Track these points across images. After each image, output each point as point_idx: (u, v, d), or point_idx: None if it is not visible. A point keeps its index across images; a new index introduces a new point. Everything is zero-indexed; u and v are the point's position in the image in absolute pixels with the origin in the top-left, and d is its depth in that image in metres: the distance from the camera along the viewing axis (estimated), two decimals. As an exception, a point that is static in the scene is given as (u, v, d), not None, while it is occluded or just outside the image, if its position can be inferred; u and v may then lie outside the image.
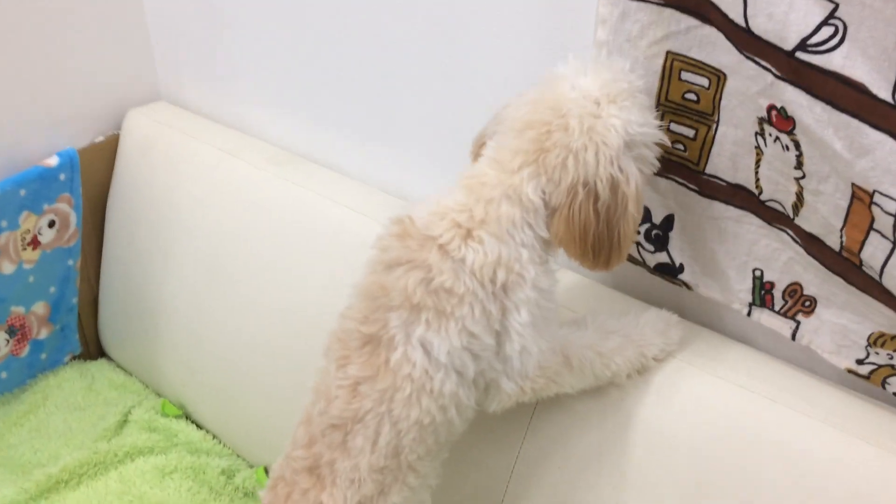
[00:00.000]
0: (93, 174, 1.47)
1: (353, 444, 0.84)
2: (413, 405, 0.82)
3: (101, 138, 1.48)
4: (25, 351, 1.45)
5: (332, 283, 1.17)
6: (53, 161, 1.39)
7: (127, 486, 1.28)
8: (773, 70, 0.77)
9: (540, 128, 0.80)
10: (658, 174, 0.91)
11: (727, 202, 0.90)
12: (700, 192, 0.92)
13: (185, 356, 1.40)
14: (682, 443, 0.89)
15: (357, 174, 1.31)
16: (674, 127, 0.90)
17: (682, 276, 0.97)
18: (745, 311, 0.94)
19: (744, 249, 0.92)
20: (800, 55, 0.74)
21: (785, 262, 0.90)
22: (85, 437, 1.36)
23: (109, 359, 1.57)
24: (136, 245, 1.46)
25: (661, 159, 0.85)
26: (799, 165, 0.80)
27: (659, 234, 0.97)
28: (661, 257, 0.98)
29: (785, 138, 0.80)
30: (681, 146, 0.90)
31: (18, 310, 1.41)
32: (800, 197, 0.83)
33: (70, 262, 1.46)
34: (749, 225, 0.90)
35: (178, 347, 1.41)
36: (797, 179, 0.81)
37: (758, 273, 0.92)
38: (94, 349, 1.58)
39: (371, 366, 0.83)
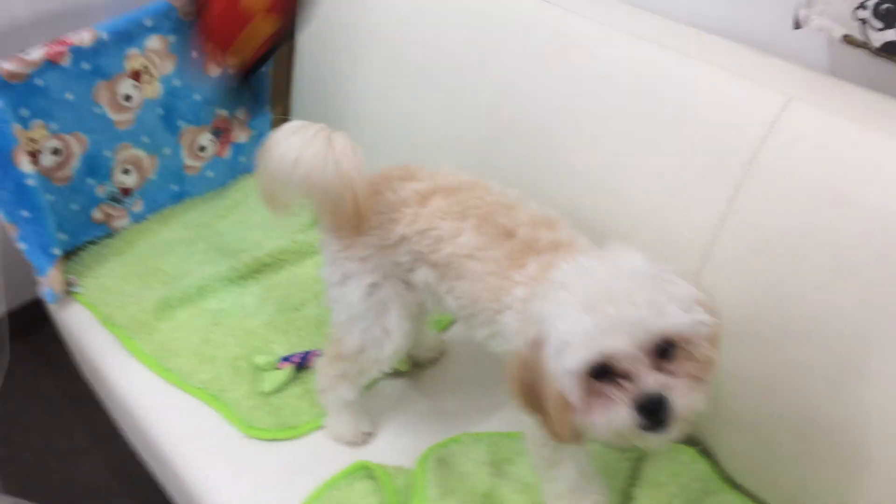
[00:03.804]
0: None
1: None
2: None
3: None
4: (228, 153, 1.58)
5: (530, 78, 1.19)
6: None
7: (322, 273, 1.40)
8: None
9: None
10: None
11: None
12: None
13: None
14: None
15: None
16: None
17: (913, 55, 0.90)
18: None
19: None
20: None
21: None
22: (284, 229, 1.47)
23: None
24: (327, 54, 1.51)
25: None
26: None
27: (891, 7, 0.90)
28: (890, 35, 0.91)
29: None
30: None
31: (222, 113, 1.53)
32: None
33: (264, 70, 1.55)
34: None
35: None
36: None
37: None
38: (285, 158, 1.69)
39: None
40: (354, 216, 0.99)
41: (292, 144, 0.96)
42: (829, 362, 0.91)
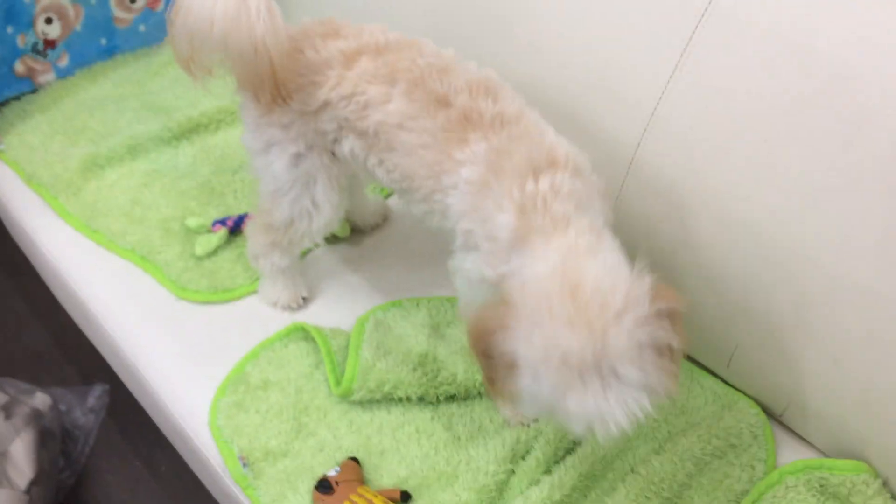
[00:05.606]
0: None
1: None
2: None
3: None
4: (161, 5, 1.46)
5: None
6: None
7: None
8: None
9: None
10: None
11: None
12: None
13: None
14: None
15: None
16: None
17: None
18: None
19: None
20: None
21: None
22: (222, 88, 1.38)
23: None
24: None
25: None
26: None
27: None
28: None
29: None
30: None
31: (153, -42, 1.41)
32: None
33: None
34: None
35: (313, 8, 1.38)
36: None
37: None
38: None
39: None
40: (271, 85, 0.91)
41: (205, 3, 0.85)
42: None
